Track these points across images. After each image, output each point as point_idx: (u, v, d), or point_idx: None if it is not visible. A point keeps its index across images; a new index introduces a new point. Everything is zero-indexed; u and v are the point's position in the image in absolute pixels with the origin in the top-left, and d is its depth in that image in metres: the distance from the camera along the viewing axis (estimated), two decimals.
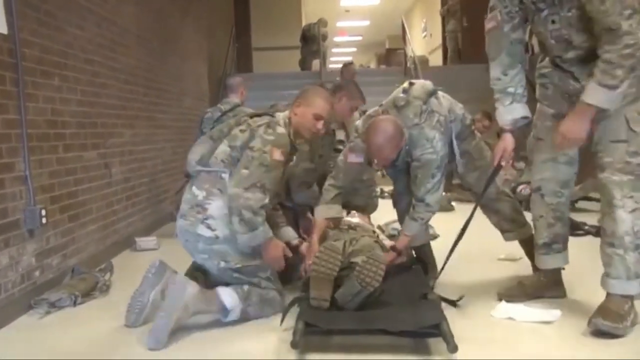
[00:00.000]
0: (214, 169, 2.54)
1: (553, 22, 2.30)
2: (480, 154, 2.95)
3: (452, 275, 2.97)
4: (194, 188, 2.56)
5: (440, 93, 2.84)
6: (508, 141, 2.52)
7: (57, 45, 3.28)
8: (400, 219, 3.03)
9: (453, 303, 2.51)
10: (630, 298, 2.29)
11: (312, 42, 11.28)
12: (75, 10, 3.52)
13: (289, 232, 2.94)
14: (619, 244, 2.27)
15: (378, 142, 2.61)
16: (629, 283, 2.26)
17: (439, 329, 2.06)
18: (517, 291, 2.69)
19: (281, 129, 2.56)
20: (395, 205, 3.09)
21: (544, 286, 2.71)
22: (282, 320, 2.34)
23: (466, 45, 10.91)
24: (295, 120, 2.66)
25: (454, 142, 2.81)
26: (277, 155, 2.48)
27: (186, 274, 2.61)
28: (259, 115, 2.68)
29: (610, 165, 2.28)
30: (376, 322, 2.21)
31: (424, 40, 15.71)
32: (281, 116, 2.67)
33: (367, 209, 3.87)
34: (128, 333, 2.45)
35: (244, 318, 2.48)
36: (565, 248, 2.70)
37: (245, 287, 2.49)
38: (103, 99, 3.93)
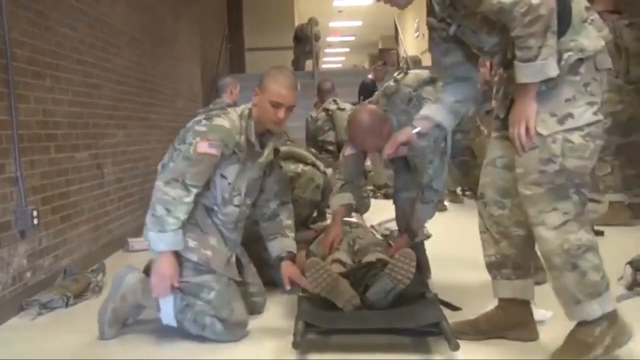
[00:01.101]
0: None
1: (463, 33, 2.13)
2: (482, 152, 2.92)
3: (449, 275, 2.98)
4: None
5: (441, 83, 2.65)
6: None
7: (49, 46, 3.26)
8: (398, 215, 3.03)
9: (453, 308, 2.44)
10: (601, 319, 1.94)
11: (305, 42, 11.30)
12: (66, 11, 3.50)
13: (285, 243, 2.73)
14: (550, 266, 1.97)
15: (356, 132, 2.65)
16: (582, 307, 1.93)
17: (439, 328, 2.07)
18: (469, 327, 2.24)
19: (220, 121, 2.31)
20: (394, 202, 3.08)
21: (503, 324, 2.20)
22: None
23: None
24: (255, 111, 2.42)
25: (448, 135, 2.69)
26: (204, 147, 2.23)
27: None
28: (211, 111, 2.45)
29: (523, 178, 1.96)
30: (376, 321, 2.22)
31: (417, 40, 15.74)
32: (240, 108, 2.45)
33: (359, 209, 3.87)
34: (121, 335, 2.43)
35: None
36: (520, 277, 2.16)
37: (185, 301, 2.27)
38: (95, 99, 3.91)
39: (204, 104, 7.11)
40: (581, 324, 1.98)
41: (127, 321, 2.46)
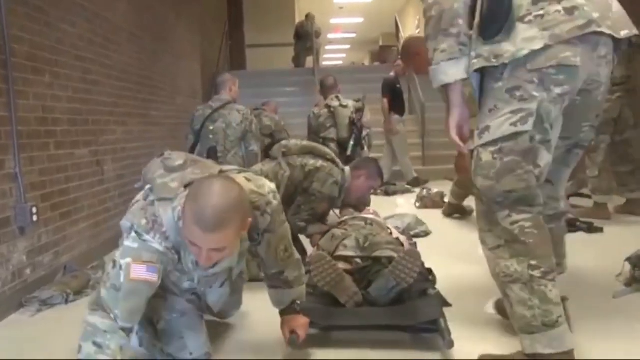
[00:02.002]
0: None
1: None
2: None
3: (447, 271, 2.97)
4: None
5: None
6: None
7: (48, 42, 3.25)
8: None
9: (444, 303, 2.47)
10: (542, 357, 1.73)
11: (305, 39, 11.30)
12: (66, 7, 3.49)
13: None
14: (499, 287, 1.84)
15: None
16: (520, 336, 1.80)
17: (436, 325, 2.07)
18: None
19: (150, 240, 1.70)
20: None
21: None
22: None
23: None
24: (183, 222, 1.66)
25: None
26: (139, 272, 1.66)
27: None
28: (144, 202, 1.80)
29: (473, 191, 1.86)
30: (375, 318, 2.22)
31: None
32: (175, 203, 1.73)
33: (359, 206, 3.86)
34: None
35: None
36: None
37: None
38: (95, 96, 3.91)
39: (204, 101, 7.10)
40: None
41: None
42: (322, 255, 2.33)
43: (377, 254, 2.55)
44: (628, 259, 2.77)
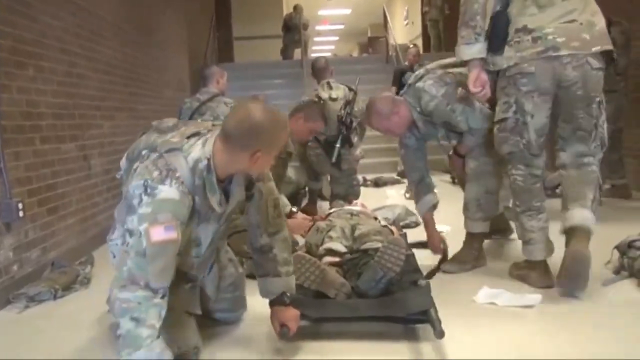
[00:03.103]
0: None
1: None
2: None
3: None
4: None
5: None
6: None
7: (32, 35, 3.20)
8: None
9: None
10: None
11: (294, 31, 11.26)
12: None
13: (284, 201, 3.08)
14: None
15: (370, 120, 2.93)
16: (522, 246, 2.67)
17: (426, 315, 2.07)
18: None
19: (165, 191, 1.73)
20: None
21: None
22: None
23: (448, 33, 10.92)
24: (231, 163, 1.86)
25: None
26: (158, 235, 1.70)
27: None
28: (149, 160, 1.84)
29: None
30: (366, 309, 2.21)
31: (406, 28, 15.70)
32: (193, 157, 1.82)
33: (348, 196, 3.86)
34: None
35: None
36: None
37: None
38: (81, 89, 3.86)
39: (192, 94, 7.03)
40: None
41: None
42: (300, 255, 2.32)
43: (365, 246, 2.55)
44: (616, 247, 2.79)
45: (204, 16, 9.86)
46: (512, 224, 3.13)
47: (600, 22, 2.41)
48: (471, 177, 2.89)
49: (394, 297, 2.27)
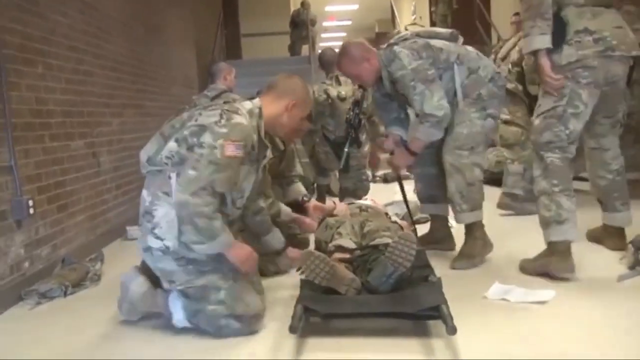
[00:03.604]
0: (161, 168, 2.24)
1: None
2: (470, 138, 2.92)
3: (449, 256, 2.97)
4: (144, 191, 2.32)
5: (462, 44, 3.20)
6: None
7: (39, 32, 3.21)
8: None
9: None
10: None
11: (301, 27, 11.22)
12: None
13: (300, 188, 3.23)
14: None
15: (341, 65, 3.05)
16: (544, 230, 2.69)
17: (438, 311, 2.05)
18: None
19: (239, 119, 2.19)
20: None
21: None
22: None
23: (456, 28, 10.84)
24: (273, 117, 2.36)
25: (458, 88, 2.92)
26: (231, 150, 2.11)
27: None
28: (214, 105, 2.32)
29: None
30: (376, 305, 2.20)
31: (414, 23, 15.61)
32: (248, 105, 2.32)
33: (357, 192, 3.84)
34: (120, 323, 2.42)
35: None
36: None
37: (194, 306, 2.21)
38: (89, 87, 3.86)
39: (199, 90, 7.05)
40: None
41: None
42: (309, 252, 2.31)
43: (375, 242, 2.53)
44: (631, 242, 2.76)
45: (211, 13, 9.86)
46: (454, 238, 3.19)
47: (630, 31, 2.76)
48: (449, 171, 2.95)
49: (405, 293, 2.26)
